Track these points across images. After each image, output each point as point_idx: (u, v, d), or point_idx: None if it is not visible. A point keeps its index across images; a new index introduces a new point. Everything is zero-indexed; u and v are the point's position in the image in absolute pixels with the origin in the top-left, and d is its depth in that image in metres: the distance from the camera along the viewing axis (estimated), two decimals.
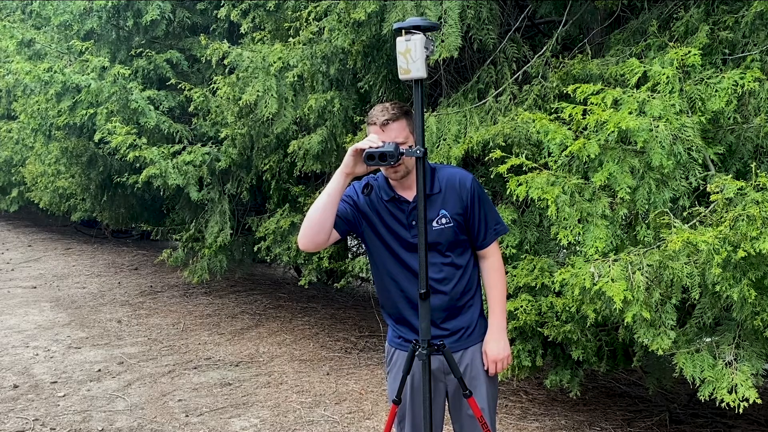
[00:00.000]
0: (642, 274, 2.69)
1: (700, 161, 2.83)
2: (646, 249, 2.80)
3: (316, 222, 2.27)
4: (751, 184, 2.55)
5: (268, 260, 6.96)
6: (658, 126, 2.76)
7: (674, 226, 2.68)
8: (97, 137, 6.42)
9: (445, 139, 3.72)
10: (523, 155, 3.24)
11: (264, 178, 5.63)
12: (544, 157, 3.17)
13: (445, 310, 2.38)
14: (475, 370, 2.43)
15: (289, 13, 4.86)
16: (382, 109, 2.28)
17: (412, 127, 2.27)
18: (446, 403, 2.52)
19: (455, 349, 2.41)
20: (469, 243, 2.43)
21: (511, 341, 3.63)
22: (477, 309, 2.47)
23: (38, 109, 6.90)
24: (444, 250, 2.37)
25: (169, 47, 7.01)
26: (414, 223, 2.31)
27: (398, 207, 2.36)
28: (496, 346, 2.41)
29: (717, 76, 2.84)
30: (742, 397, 2.58)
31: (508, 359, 2.43)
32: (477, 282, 2.48)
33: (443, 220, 2.34)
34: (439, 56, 3.51)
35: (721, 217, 2.55)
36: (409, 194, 2.36)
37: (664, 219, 2.75)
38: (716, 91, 2.79)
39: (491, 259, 2.45)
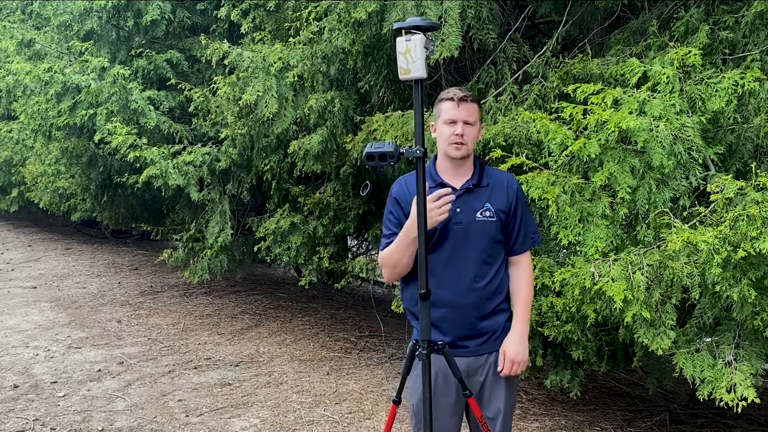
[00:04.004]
0: (642, 274, 2.69)
1: (701, 161, 2.83)
2: (646, 249, 2.80)
3: (402, 266, 2.38)
4: (751, 184, 2.55)
5: (268, 260, 6.96)
6: (658, 126, 2.76)
7: (674, 226, 2.68)
8: (97, 137, 6.42)
9: None
10: (524, 155, 3.24)
11: (264, 178, 5.63)
12: (545, 157, 3.17)
13: (476, 308, 2.38)
14: (497, 373, 2.43)
15: (290, 13, 4.86)
16: (459, 88, 2.38)
17: (482, 117, 2.39)
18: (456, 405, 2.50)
19: (481, 351, 2.41)
20: (503, 246, 2.45)
21: None
22: (506, 315, 2.46)
23: (38, 109, 6.89)
24: (484, 245, 2.37)
25: (169, 47, 7.01)
26: (458, 210, 2.34)
27: None
28: (515, 348, 2.41)
29: (717, 76, 2.84)
30: (741, 396, 2.58)
31: (524, 364, 2.44)
32: (507, 288, 2.48)
33: (487, 213, 2.36)
34: (440, 56, 3.51)
35: (721, 217, 2.55)
36: (457, 182, 2.38)
37: (664, 219, 2.75)
38: (716, 91, 2.79)
39: (523, 267, 2.47)
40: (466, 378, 2.42)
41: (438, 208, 2.24)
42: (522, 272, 2.46)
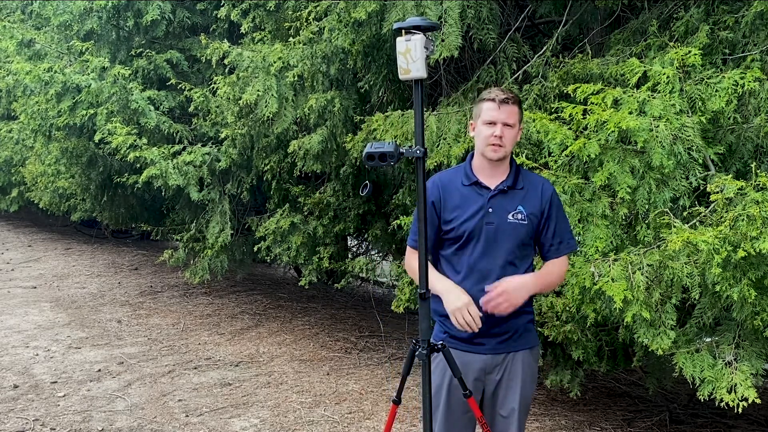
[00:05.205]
0: (642, 274, 2.69)
1: (701, 161, 2.83)
2: (646, 249, 2.80)
3: None
4: (751, 184, 2.55)
5: (268, 260, 6.96)
6: (658, 126, 2.76)
7: (674, 226, 2.68)
8: (97, 137, 6.41)
9: (445, 139, 3.72)
10: (524, 155, 3.24)
11: (264, 178, 5.63)
12: (545, 157, 3.17)
13: None
14: (514, 372, 2.44)
15: (290, 12, 4.86)
16: (501, 89, 2.36)
17: (522, 118, 2.39)
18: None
19: (499, 350, 2.41)
20: (535, 251, 2.45)
21: None
22: (528, 318, 2.46)
23: (38, 109, 6.89)
24: (512, 248, 2.37)
25: (169, 47, 7.01)
26: (491, 210, 2.35)
27: (477, 192, 2.39)
28: (512, 284, 2.29)
29: (717, 76, 2.84)
30: (742, 396, 2.58)
31: (510, 306, 2.29)
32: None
33: (519, 216, 2.37)
34: (440, 56, 3.51)
35: (721, 217, 2.55)
36: (492, 182, 2.39)
37: (664, 219, 2.75)
38: (716, 91, 2.79)
39: (560, 261, 2.44)
40: (483, 375, 2.43)
41: (462, 316, 2.26)
42: (557, 263, 2.44)
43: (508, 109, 2.32)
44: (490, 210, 2.36)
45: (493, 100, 2.32)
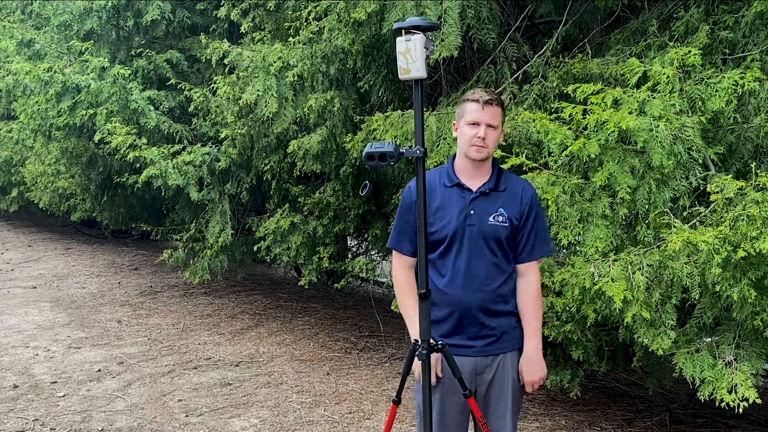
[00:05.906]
0: (642, 274, 2.69)
1: (700, 161, 2.83)
2: (646, 249, 2.80)
3: None
4: (751, 184, 2.55)
5: (268, 260, 6.96)
6: (658, 126, 2.76)
7: (674, 226, 2.68)
8: (97, 137, 6.41)
9: (445, 139, 3.72)
10: (524, 155, 3.24)
11: (264, 178, 5.63)
12: (545, 157, 3.17)
13: (483, 309, 2.38)
14: (504, 373, 2.44)
15: (289, 12, 4.86)
16: (485, 90, 2.37)
17: (504, 120, 2.40)
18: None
19: (488, 352, 2.41)
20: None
21: None
22: (513, 319, 2.46)
23: (38, 109, 6.89)
24: (495, 249, 2.37)
25: (169, 47, 7.01)
26: (472, 212, 2.35)
27: (459, 194, 2.39)
28: (533, 369, 2.44)
29: (717, 75, 2.84)
30: (742, 396, 2.58)
31: (543, 379, 2.47)
32: (515, 294, 2.49)
33: (500, 218, 2.37)
34: (439, 56, 3.51)
35: (721, 217, 2.55)
36: (474, 183, 2.39)
37: (664, 219, 2.75)
38: (716, 90, 2.79)
39: (530, 279, 2.44)
40: (474, 377, 2.43)
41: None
42: (528, 286, 2.43)
43: (491, 110, 2.32)
44: (472, 212, 2.36)
45: (477, 101, 2.33)
